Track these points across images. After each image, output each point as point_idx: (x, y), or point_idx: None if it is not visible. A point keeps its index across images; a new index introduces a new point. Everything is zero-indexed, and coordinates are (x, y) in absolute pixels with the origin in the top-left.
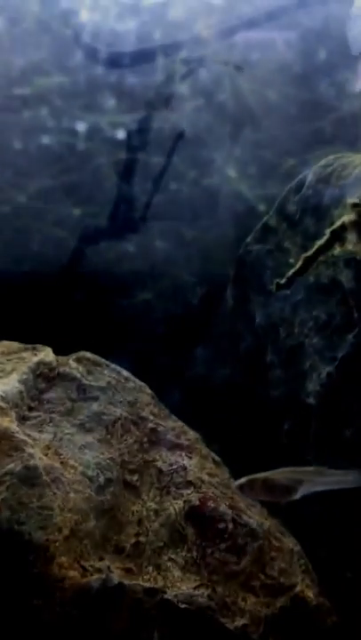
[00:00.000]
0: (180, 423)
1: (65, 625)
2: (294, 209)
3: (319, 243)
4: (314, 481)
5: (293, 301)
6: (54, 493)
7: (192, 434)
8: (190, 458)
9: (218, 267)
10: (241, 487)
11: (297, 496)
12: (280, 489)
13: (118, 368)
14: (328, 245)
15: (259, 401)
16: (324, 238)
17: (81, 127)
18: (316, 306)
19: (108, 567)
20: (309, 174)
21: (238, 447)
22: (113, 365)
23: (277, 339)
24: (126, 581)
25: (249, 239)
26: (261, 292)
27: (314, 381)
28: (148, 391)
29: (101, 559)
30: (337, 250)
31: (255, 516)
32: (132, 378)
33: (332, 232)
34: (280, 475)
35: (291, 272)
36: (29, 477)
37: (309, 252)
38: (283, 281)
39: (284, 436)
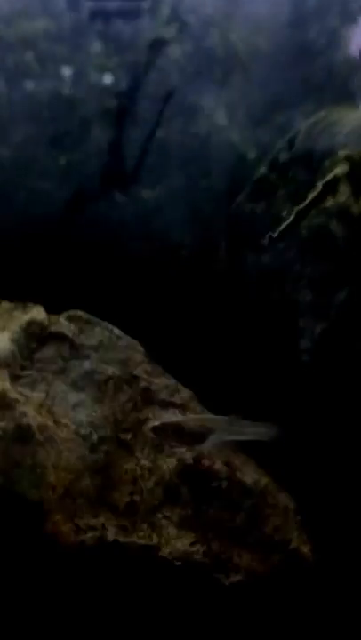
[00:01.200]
0: (173, 381)
1: (60, 583)
2: (287, 164)
3: (312, 195)
4: (225, 430)
5: (286, 258)
6: (48, 452)
7: (186, 392)
8: (184, 416)
9: (208, 218)
10: (155, 430)
11: (208, 444)
12: (191, 435)
13: (110, 326)
14: (321, 198)
15: (252, 359)
16: (317, 190)
17: (67, 72)
18: (309, 263)
19: (103, 525)
20: (301, 130)
21: (232, 405)
22: (105, 323)
23: (270, 296)
24: (121, 539)
25: (241, 196)
26: (254, 248)
27: (307, 339)
28: (141, 349)
29: (96, 517)
30: (330, 202)
31: (250, 474)
32: (124, 336)
33: (324, 184)
34: (192, 421)
35: (283, 225)
36: (22, 436)
37: (302, 205)
38: (275, 234)
39: (278, 393)
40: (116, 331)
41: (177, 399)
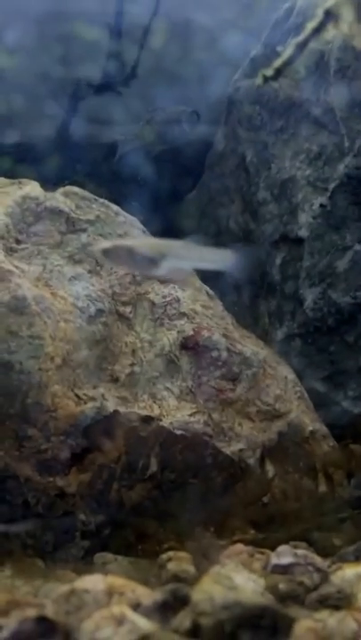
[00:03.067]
0: None
1: (61, 454)
2: (284, 38)
3: (311, 25)
4: (179, 255)
5: (284, 136)
6: (45, 323)
7: None
8: (184, 290)
9: None
10: (105, 252)
11: (162, 270)
12: (143, 260)
13: (107, 202)
14: (320, 27)
15: (252, 238)
16: (317, 19)
17: None
18: (307, 138)
19: (103, 395)
20: (298, 1)
21: (231, 285)
22: (101, 200)
23: (269, 174)
24: (121, 409)
25: (237, 75)
26: (251, 128)
27: (306, 213)
28: (139, 226)
29: (95, 388)
30: (330, 31)
31: (250, 346)
32: (122, 212)
33: (326, 11)
34: (146, 246)
35: (279, 61)
36: (18, 307)
37: (300, 37)
38: (270, 72)
39: (277, 270)
40: (114, 207)
41: None
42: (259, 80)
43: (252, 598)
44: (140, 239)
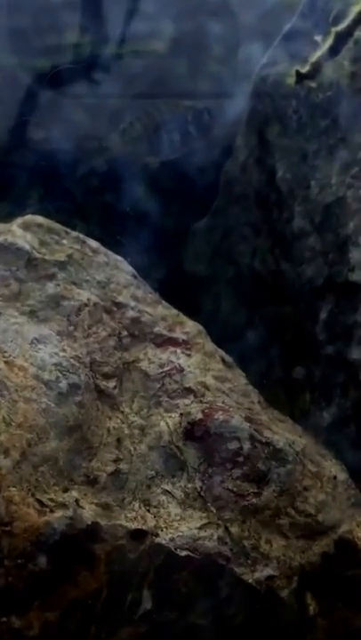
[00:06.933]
0: (174, 311)
1: (17, 588)
2: (323, 15)
3: (356, 8)
4: None
5: (330, 141)
6: None
7: (192, 325)
8: (189, 356)
9: None
10: None
11: None
12: None
13: (82, 236)
14: None
15: (286, 284)
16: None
17: None
18: None
19: (77, 501)
20: None
21: (259, 347)
22: (75, 233)
23: (308, 196)
24: (103, 521)
25: (265, 59)
26: (284, 132)
27: None
28: (128, 268)
29: (67, 491)
30: None
31: (283, 433)
32: (104, 250)
33: None
34: None
35: (318, 54)
36: None
37: (342, 26)
38: (306, 69)
39: (322, 327)
40: (92, 242)
41: (179, 334)
42: (291, 79)
43: None
44: None
